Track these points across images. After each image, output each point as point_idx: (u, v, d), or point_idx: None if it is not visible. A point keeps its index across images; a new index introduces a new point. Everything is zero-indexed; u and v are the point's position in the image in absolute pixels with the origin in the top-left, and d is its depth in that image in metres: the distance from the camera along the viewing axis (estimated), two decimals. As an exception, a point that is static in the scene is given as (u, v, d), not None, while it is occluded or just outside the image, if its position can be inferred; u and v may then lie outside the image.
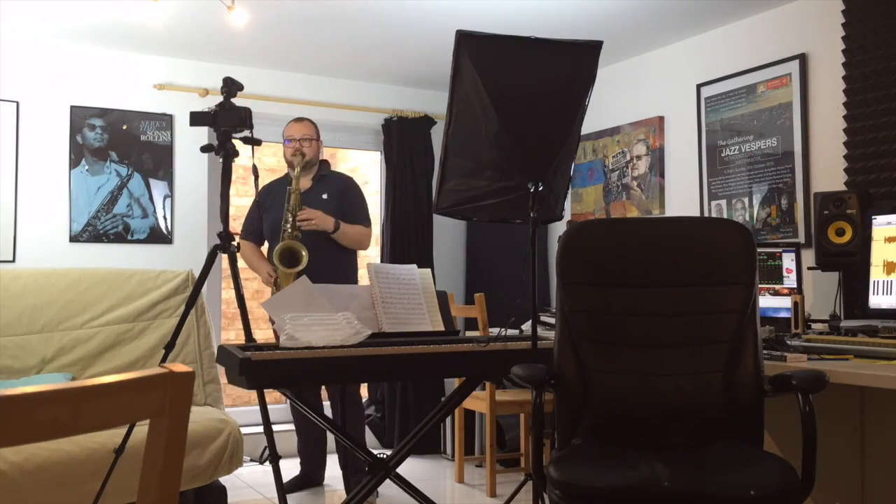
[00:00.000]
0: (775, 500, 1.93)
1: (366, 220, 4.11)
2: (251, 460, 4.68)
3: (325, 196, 4.05)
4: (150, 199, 4.78)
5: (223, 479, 3.70)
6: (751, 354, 2.33)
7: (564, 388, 2.36)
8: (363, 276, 4.41)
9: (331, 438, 4.29)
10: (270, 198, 4.11)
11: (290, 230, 3.85)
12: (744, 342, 2.33)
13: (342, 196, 4.09)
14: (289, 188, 3.93)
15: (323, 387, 4.23)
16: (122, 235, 4.69)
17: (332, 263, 3.97)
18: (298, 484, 4.21)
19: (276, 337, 3.05)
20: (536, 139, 2.73)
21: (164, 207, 4.80)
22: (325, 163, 4.23)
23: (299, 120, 4.17)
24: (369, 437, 5.17)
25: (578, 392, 2.34)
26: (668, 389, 2.33)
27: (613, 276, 2.41)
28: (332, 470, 4.34)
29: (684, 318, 2.38)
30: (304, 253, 3.79)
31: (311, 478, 4.25)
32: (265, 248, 4.22)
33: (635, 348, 2.37)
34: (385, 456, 3.00)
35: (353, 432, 3.98)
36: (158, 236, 4.79)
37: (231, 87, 3.14)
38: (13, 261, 4.41)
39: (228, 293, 5.06)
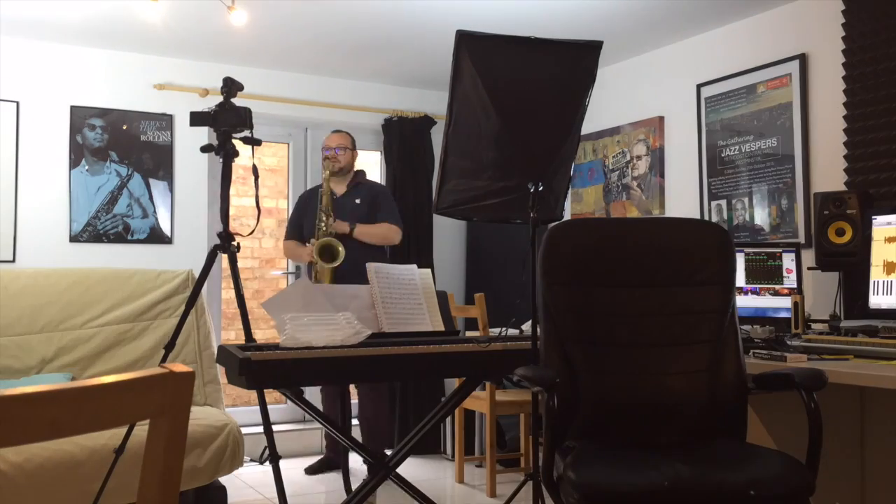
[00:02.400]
0: (803, 490, 1.98)
1: (390, 218, 4.43)
2: (251, 460, 4.68)
3: (357, 201, 4.41)
4: (150, 199, 4.78)
5: (223, 479, 3.70)
6: (733, 353, 2.37)
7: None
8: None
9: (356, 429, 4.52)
10: (308, 204, 4.46)
11: (324, 228, 4.21)
12: (726, 342, 2.37)
13: (372, 200, 4.43)
14: (319, 190, 4.32)
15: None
16: (122, 235, 4.69)
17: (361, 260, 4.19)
18: (322, 467, 4.47)
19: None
20: (536, 139, 2.73)
21: (164, 207, 4.80)
22: (362, 172, 4.57)
23: (337, 131, 4.55)
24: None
25: (568, 393, 2.33)
26: (657, 389, 2.34)
27: (597, 276, 2.42)
28: (355, 459, 4.45)
29: (668, 318, 2.39)
30: (340, 249, 4.14)
31: (334, 461, 4.46)
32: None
33: (622, 348, 2.37)
34: (385, 456, 2.99)
35: (374, 424, 4.32)
36: (158, 236, 4.79)
37: (231, 87, 3.14)
38: (13, 261, 4.41)
39: (228, 293, 5.06)
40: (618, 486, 1.95)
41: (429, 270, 3.12)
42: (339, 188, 4.46)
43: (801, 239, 3.85)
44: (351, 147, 4.51)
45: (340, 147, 4.45)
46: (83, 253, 4.58)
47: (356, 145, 4.58)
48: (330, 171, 4.36)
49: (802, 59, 3.87)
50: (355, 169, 4.55)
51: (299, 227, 4.50)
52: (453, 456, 4.69)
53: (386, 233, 4.41)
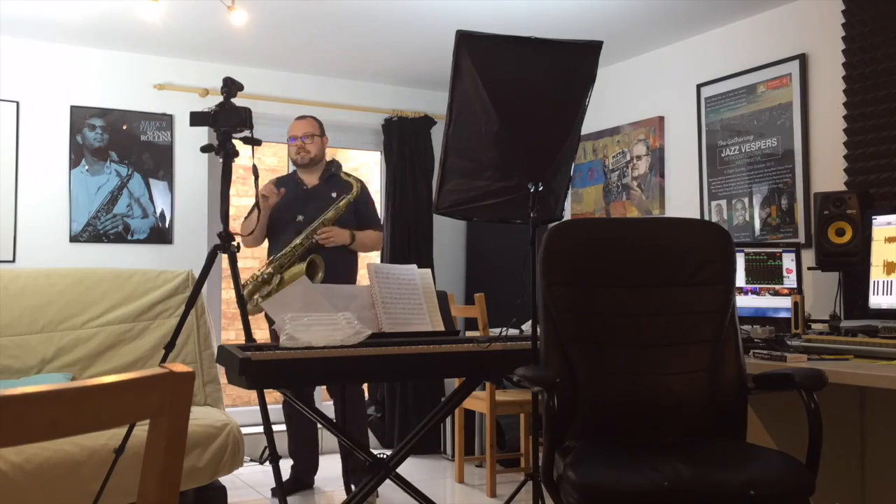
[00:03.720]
0: (803, 490, 1.99)
1: (378, 224, 4.18)
2: (251, 460, 4.68)
3: (333, 195, 4.08)
4: (150, 199, 4.78)
5: (223, 479, 3.70)
6: (733, 353, 2.37)
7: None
8: (362, 277, 4.42)
9: (332, 439, 4.29)
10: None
11: (314, 239, 3.93)
12: (726, 342, 2.37)
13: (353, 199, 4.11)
14: (337, 202, 4.00)
15: (324, 387, 4.25)
16: (122, 235, 4.69)
17: (341, 266, 4.04)
18: (290, 487, 4.16)
19: (274, 337, 3.05)
20: (536, 139, 2.73)
21: (164, 207, 4.80)
22: (335, 163, 4.24)
23: (301, 117, 4.19)
24: (370, 438, 5.17)
25: (568, 393, 2.33)
26: (658, 389, 2.34)
27: (597, 276, 2.42)
28: (325, 472, 4.34)
29: (668, 318, 2.40)
30: (320, 273, 3.91)
31: (302, 481, 4.21)
32: (264, 247, 4.26)
33: (622, 348, 2.38)
34: (385, 456, 2.99)
35: (355, 430, 3.98)
36: (158, 236, 4.79)
37: (231, 87, 3.14)
38: (13, 261, 4.41)
39: (228, 293, 5.06)
40: (618, 486, 1.95)
41: (429, 270, 3.12)
42: (311, 179, 4.13)
43: (801, 239, 3.85)
44: (319, 133, 4.12)
45: (307, 135, 4.08)
46: (83, 253, 4.58)
47: (325, 130, 4.19)
48: (300, 164, 4.09)
49: (802, 59, 3.87)
50: (327, 158, 4.20)
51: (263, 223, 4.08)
52: (453, 456, 4.69)
53: (375, 242, 4.16)
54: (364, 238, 4.09)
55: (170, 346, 3.07)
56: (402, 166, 5.38)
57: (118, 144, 4.70)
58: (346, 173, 4.21)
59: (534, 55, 2.73)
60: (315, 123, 4.15)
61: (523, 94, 2.72)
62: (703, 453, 2.18)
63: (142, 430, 3.12)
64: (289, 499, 4.08)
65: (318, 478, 4.29)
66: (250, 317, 3.22)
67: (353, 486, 3.63)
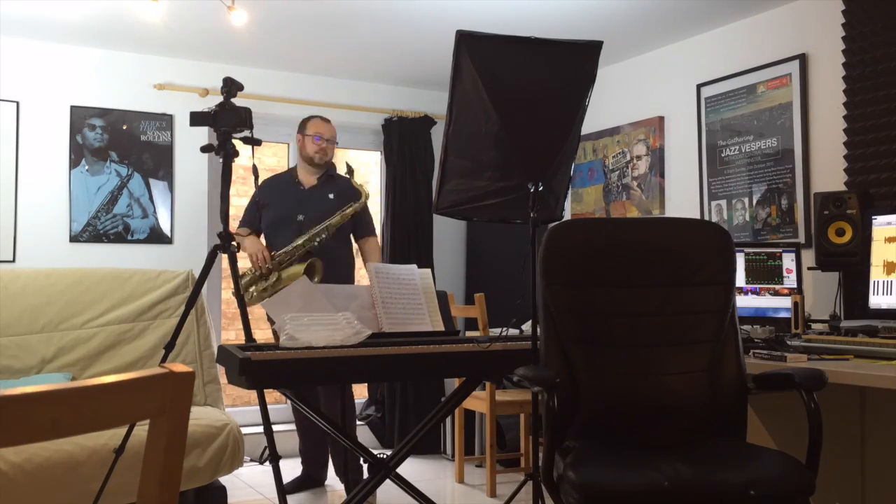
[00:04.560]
0: (803, 490, 1.99)
1: (374, 231, 4.23)
2: (251, 460, 4.68)
3: (331, 196, 4.08)
4: (150, 199, 4.78)
5: (223, 479, 3.70)
6: (733, 353, 2.37)
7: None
8: (362, 277, 4.42)
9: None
10: (274, 193, 4.11)
11: (316, 243, 3.90)
12: (726, 342, 2.37)
13: (348, 199, 4.07)
14: (344, 209, 3.97)
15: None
16: (122, 235, 4.69)
17: (340, 262, 4.05)
18: (300, 484, 4.20)
19: (276, 337, 3.05)
20: (536, 139, 2.73)
21: (164, 207, 4.80)
22: (332, 165, 4.26)
23: (326, 120, 4.20)
24: (370, 438, 5.18)
25: (568, 393, 2.33)
26: (658, 389, 2.34)
27: (597, 276, 2.42)
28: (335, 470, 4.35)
29: (668, 318, 2.40)
30: (317, 278, 3.87)
31: (312, 478, 4.24)
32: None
33: (622, 348, 2.38)
34: (385, 456, 3.00)
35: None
36: (158, 236, 4.79)
37: (231, 87, 3.14)
38: (13, 261, 4.41)
39: (228, 293, 5.06)
40: (618, 486, 1.95)
41: (429, 270, 3.12)
42: (310, 180, 4.11)
43: (801, 239, 3.85)
44: (337, 141, 4.23)
45: (332, 139, 4.16)
46: (83, 253, 4.58)
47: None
48: (316, 163, 4.09)
49: (802, 59, 3.87)
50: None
51: (256, 214, 4.09)
52: (453, 456, 4.69)
53: (378, 251, 4.22)
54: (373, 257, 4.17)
55: (170, 346, 3.07)
56: (402, 166, 5.38)
57: (118, 144, 4.70)
58: (356, 182, 4.13)
59: (534, 55, 2.73)
60: (335, 130, 4.23)
61: (523, 94, 2.72)
62: (703, 453, 2.18)
63: (142, 430, 3.12)
64: (295, 496, 4.09)
65: (329, 475, 4.30)
66: (248, 307, 3.22)
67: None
